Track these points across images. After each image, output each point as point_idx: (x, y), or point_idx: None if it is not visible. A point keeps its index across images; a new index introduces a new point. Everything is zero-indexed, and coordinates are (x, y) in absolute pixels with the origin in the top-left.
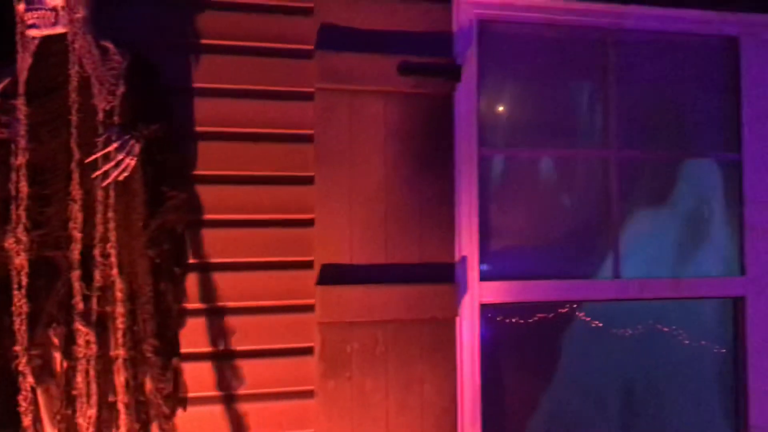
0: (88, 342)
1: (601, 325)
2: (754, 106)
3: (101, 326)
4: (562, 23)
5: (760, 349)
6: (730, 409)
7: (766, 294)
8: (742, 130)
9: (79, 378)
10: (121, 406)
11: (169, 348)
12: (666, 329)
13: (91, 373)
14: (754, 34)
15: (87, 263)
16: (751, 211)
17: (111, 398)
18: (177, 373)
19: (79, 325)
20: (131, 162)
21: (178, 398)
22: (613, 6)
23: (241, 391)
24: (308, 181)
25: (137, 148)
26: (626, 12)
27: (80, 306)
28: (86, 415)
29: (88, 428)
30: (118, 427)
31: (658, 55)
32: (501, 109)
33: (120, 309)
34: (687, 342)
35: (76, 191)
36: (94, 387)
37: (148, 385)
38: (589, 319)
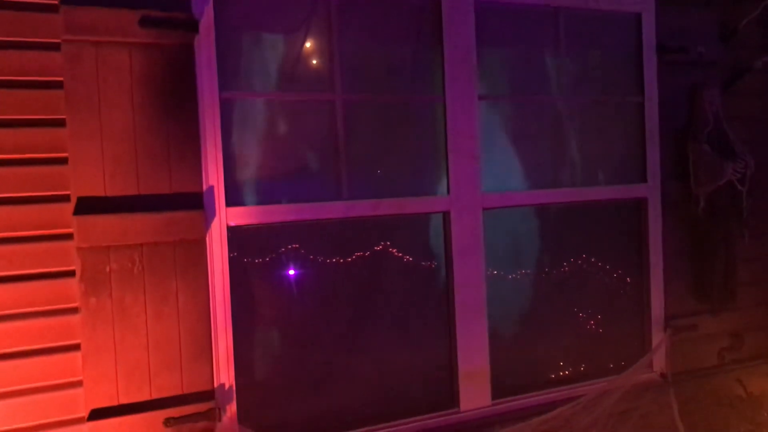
0: None
1: (337, 242)
2: (452, 56)
3: None
4: None
5: (460, 250)
6: (443, 292)
7: (461, 207)
8: (445, 75)
9: None
10: None
11: None
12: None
13: None
14: None
15: None
16: (453, 140)
17: None
18: None
19: None
20: None
21: None
22: None
23: (12, 311)
24: (60, 123)
25: None
26: None
27: None
28: None
29: None
30: None
31: (372, 10)
32: (239, 58)
33: None
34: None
35: None
36: None
37: None
38: (324, 238)
